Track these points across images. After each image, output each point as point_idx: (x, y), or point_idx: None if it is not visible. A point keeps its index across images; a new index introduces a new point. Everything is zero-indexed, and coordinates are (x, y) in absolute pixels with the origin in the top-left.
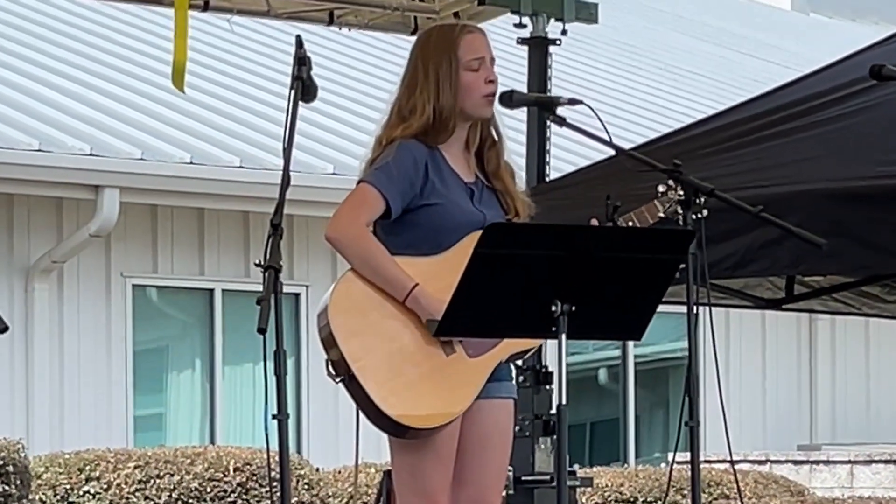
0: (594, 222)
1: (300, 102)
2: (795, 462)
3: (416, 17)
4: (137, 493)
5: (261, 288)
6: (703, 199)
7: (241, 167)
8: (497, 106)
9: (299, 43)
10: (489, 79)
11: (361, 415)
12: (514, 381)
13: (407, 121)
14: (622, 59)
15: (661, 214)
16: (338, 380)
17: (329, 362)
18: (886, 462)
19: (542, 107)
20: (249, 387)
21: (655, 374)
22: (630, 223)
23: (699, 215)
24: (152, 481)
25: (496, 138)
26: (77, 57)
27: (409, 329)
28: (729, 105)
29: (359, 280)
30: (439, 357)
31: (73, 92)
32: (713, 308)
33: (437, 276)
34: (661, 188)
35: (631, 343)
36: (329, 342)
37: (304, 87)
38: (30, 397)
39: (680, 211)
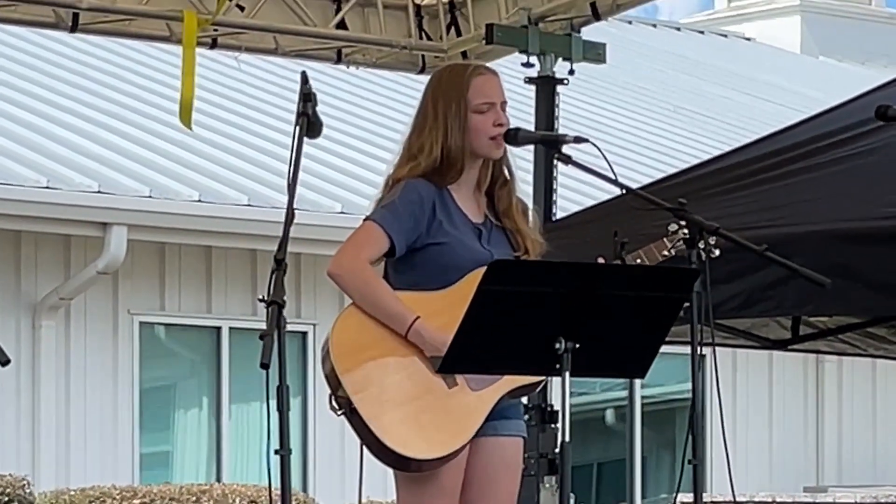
0: (600, 261)
1: (305, 138)
2: None
3: (423, 56)
4: None
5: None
6: (711, 239)
7: (248, 205)
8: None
9: (304, 79)
10: (498, 122)
11: (366, 450)
12: (523, 420)
13: (415, 160)
14: (629, 99)
15: (667, 252)
16: (339, 413)
17: (331, 396)
18: None
19: (547, 145)
20: (256, 425)
21: (662, 415)
22: (638, 260)
23: (710, 254)
24: None
25: (508, 177)
26: (86, 94)
27: (410, 362)
28: (735, 146)
29: (360, 314)
30: (441, 390)
31: (82, 129)
32: (720, 348)
33: (440, 312)
34: (671, 227)
35: (638, 384)
36: (331, 375)
37: (309, 123)
38: (36, 433)
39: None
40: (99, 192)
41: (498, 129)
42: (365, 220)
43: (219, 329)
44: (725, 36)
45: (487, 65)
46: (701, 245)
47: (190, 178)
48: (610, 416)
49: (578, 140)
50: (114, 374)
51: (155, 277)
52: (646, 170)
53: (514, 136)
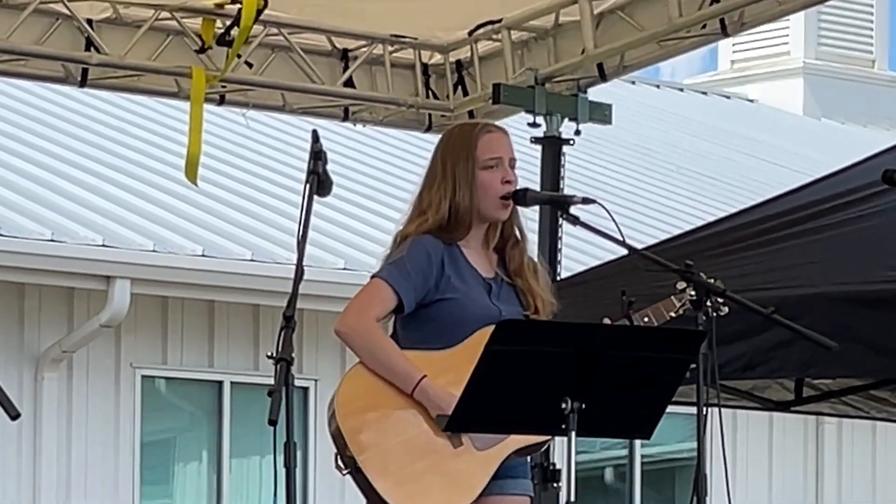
0: (606, 321)
1: (315, 196)
2: None
3: (430, 115)
4: None
5: (270, 381)
6: (715, 301)
7: (252, 260)
8: None
9: (315, 137)
10: (506, 179)
11: None
12: (530, 479)
13: (424, 216)
14: (632, 159)
15: (674, 313)
16: (345, 472)
17: (337, 455)
18: None
19: (555, 205)
20: (256, 480)
21: (662, 475)
22: (646, 318)
23: (719, 311)
24: None
25: (519, 237)
26: (91, 148)
27: (416, 421)
28: (739, 208)
29: (367, 373)
30: (447, 449)
31: (87, 183)
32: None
33: (447, 370)
34: (679, 285)
35: (638, 442)
36: (337, 435)
37: (319, 182)
38: (37, 486)
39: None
40: (103, 245)
41: (506, 187)
42: (372, 277)
43: (220, 383)
44: (728, 97)
45: (497, 123)
46: (708, 306)
47: (194, 233)
48: (609, 474)
49: (586, 201)
50: (115, 427)
51: (157, 331)
52: (648, 230)
53: (523, 197)
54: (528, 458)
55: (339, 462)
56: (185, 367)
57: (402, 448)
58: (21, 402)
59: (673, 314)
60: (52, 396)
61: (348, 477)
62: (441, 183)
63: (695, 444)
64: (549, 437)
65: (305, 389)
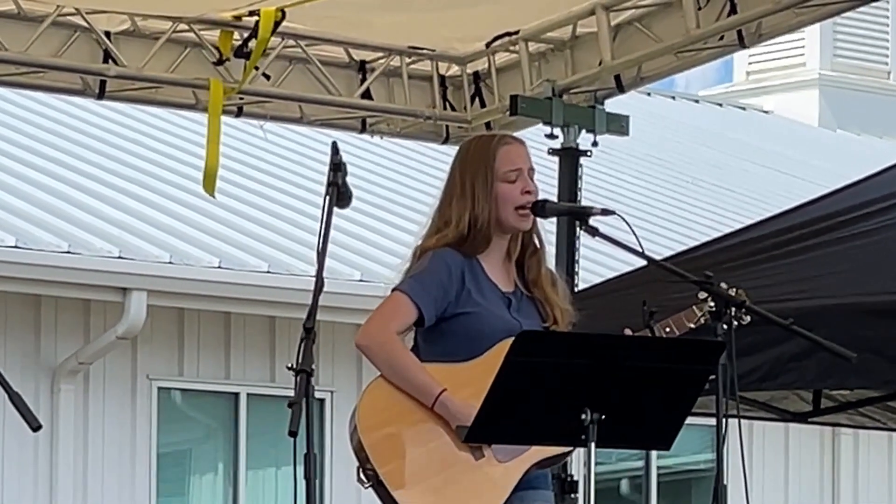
0: (627, 332)
1: (335, 208)
2: None
3: (447, 126)
4: None
5: (287, 393)
6: (736, 311)
7: (268, 272)
8: None
9: (335, 149)
10: (526, 189)
11: None
12: (552, 490)
13: (443, 231)
14: (647, 170)
15: (695, 324)
16: (367, 485)
17: (359, 468)
18: None
19: (575, 217)
20: (272, 492)
21: (678, 486)
22: (667, 329)
23: (741, 321)
24: None
25: (538, 246)
26: (108, 160)
27: (437, 434)
28: (755, 220)
29: (388, 386)
30: (468, 461)
31: (103, 195)
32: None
33: (468, 383)
34: (701, 295)
35: (654, 454)
36: (358, 448)
37: (339, 193)
38: (54, 498)
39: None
40: (119, 257)
41: (526, 197)
42: (393, 290)
43: (237, 395)
44: (744, 109)
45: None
46: (727, 318)
47: (210, 245)
48: (625, 486)
49: (605, 212)
50: (131, 439)
51: (174, 343)
52: (664, 241)
53: (542, 208)
54: (550, 467)
55: (361, 476)
56: (201, 378)
57: (423, 461)
58: (38, 414)
59: (693, 325)
60: (69, 408)
61: (365, 489)
62: (460, 197)
63: (711, 456)
64: (570, 449)
65: (322, 401)
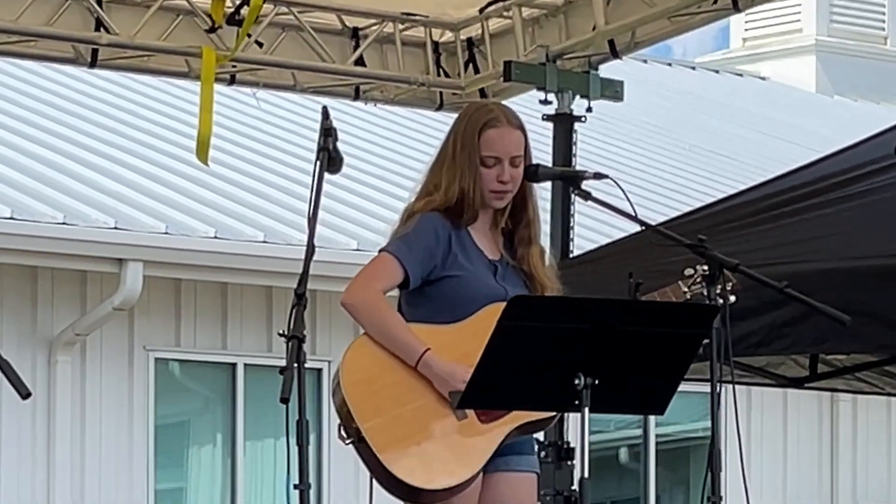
0: None
1: (326, 173)
2: None
3: (441, 93)
4: None
5: (283, 362)
6: (729, 275)
7: (265, 242)
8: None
9: (325, 114)
10: (500, 179)
11: (376, 484)
12: (536, 455)
13: (431, 195)
14: (643, 137)
15: (686, 297)
16: (348, 441)
17: (340, 425)
18: None
19: (567, 181)
20: (271, 461)
21: (676, 454)
22: None
23: (727, 300)
24: None
25: (531, 218)
26: (102, 130)
27: (420, 393)
28: (750, 185)
29: (371, 344)
30: (450, 421)
31: (98, 165)
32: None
33: (451, 345)
34: (687, 271)
35: (652, 422)
36: (341, 404)
37: (329, 158)
38: (51, 469)
39: (705, 292)
40: (115, 228)
41: (500, 186)
42: (380, 251)
43: (234, 365)
44: (740, 75)
45: (509, 107)
46: (720, 283)
47: (206, 215)
48: (624, 454)
49: (598, 176)
50: (129, 410)
51: (170, 313)
52: (660, 207)
53: (535, 173)
54: (539, 435)
55: (343, 432)
56: (198, 349)
57: (405, 419)
58: (35, 385)
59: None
60: (66, 379)
61: (345, 445)
62: (450, 165)
63: (709, 423)
64: (555, 414)
65: (319, 370)
